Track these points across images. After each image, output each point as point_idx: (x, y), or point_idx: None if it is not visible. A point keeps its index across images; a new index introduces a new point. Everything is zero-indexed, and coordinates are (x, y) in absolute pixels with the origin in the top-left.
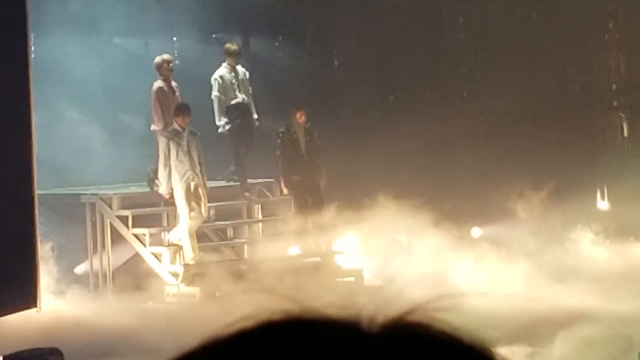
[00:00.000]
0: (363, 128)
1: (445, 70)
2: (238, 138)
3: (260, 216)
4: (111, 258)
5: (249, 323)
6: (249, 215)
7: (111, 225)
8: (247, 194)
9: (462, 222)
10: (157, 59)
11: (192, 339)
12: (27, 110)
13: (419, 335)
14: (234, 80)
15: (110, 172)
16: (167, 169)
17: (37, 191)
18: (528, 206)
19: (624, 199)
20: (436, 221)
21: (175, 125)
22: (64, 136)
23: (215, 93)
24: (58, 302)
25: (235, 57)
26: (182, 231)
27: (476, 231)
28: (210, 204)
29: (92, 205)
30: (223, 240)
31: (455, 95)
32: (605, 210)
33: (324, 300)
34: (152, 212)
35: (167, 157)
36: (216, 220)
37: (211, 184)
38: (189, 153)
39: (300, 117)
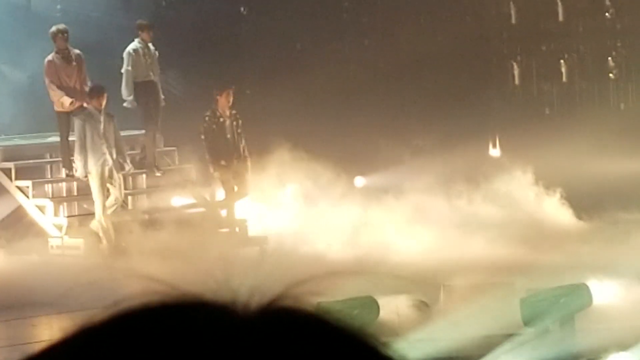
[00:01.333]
0: (266, 77)
1: (346, 20)
2: (146, 117)
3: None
4: None
5: (120, 309)
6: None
7: None
8: (158, 173)
9: (349, 171)
10: (52, 29)
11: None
12: None
13: (293, 320)
14: (146, 57)
15: None
16: (83, 152)
17: None
18: (417, 156)
19: (516, 146)
20: (323, 170)
21: (91, 108)
22: None
23: (126, 67)
24: None
25: (149, 33)
26: (96, 216)
27: (360, 180)
28: None
29: None
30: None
31: (356, 44)
32: (496, 158)
33: (207, 250)
34: (36, 164)
35: (83, 140)
36: None
37: None
38: (104, 136)
39: (226, 99)
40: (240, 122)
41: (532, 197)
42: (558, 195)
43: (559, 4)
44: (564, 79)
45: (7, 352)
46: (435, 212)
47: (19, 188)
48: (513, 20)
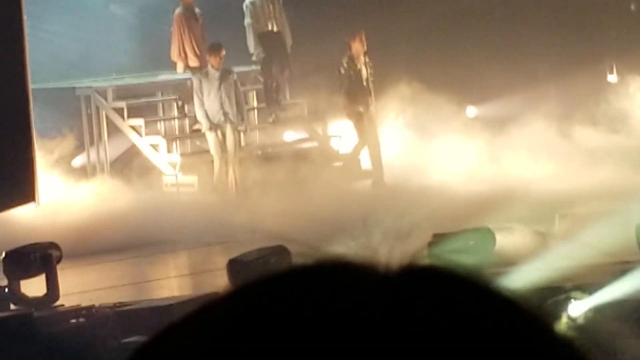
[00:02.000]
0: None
1: None
2: (268, 71)
3: (255, 104)
4: (108, 150)
5: (266, 276)
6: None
7: (107, 117)
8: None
9: (459, 101)
10: None
11: (191, 229)
12: (18, 1)
13: (437, 280)
14: (267, 7)
15: (104, 64)
16: (202, 109)
17: (31, 85)
18: (532, 83)
19: (633, 72)
20: (432, 101)
21: (208, 66)
22: (57, 28)
23: (247, 20)
24: (56, 195)
25: None
26: (214, 172)
27: (471, 110)
28: None
29: (87, 97)
30: None
31: None
32: (614, 84)
33: (323, 184)
34: (148, 103)
35: (201, 99)
36: None
37: None
38: (222, 94)
39: (360, 44)
40: (372, 70)
41: None
42: None
43: None
44: None
45: (126, 290)
46: (551, 141)
47: (132, 127)
48: None
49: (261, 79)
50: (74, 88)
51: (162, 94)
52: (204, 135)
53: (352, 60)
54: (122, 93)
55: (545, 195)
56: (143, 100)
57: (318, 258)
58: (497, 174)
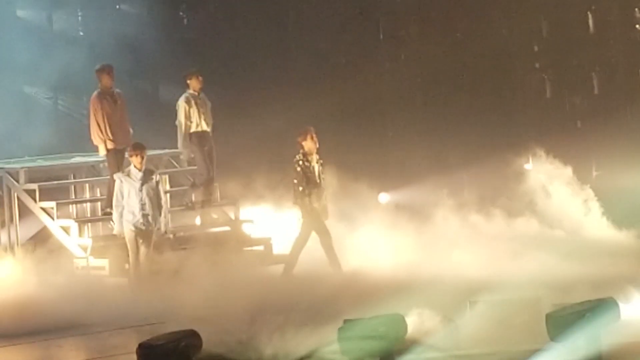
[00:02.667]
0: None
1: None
2: (199, 166)
3: (168, 187)
4: (19, 232)
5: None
6: None
7: (18, 198)
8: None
9: (371, 187)
10: (97, 66)
11: (102, 312)
12: None
13: None
14: (199, 107)
15: (16, 146)
16: (119, 209)
17: None
18: (445, 170)
19: (547, 160)
20: (346, 186)
21: (131, 166)
22: None
23: (180, 119)
24: None
25: (198, 80)
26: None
27: (384, 197)
28: None
29: None
30: None
31: (386, 58)
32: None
33: (235, 268)
34: (59, 185)
35: (119, 199)
36: None
37: None
38: (140, 197)
39: (313, 141)
40: (322, 167)
41: (567, 211)
42: (594, 208)
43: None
44: (596, 91)
45: None
46: (465, 228)
47: (43, 209)
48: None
49: (190, 178)
50: None
51: (74, 177)
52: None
53: (305, 157)
54: (34, 175)
55: (458, 282)
56: (55, 182)
57: (228, 344)
58: (410, 260)
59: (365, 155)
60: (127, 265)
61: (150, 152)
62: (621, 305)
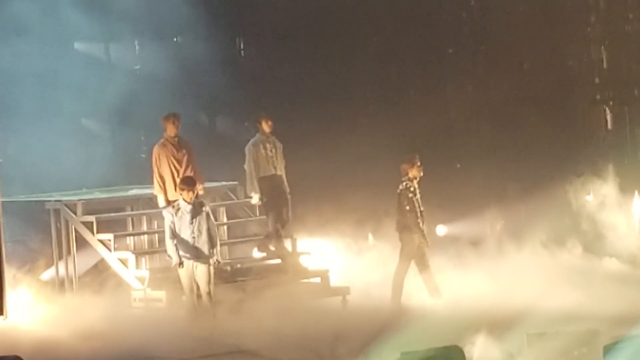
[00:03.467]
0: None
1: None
2: (272, 212)
3: (225, 219)
4: (77, 264)
5: None
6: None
7: (76, 231)
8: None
9: (429, 220)
10: (165, 114)
11: (161, 344)
12: None
13: None
14: (268, 150)
15: (75, 178)
16: (174, 242)
17: (1, 198)
18: (505, 203)
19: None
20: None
21: (181, 200)
22: (28, 142)
23: (249, 164)
24: (25, 309)
25: (268, 123)
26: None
27: (441, 229)
28: None
29: (57, 211)
30: None
31: (453, 90)
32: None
33: (292, 301)
34: (117, 217)
35: (173, 233)
36: None
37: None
38: (191, 228)
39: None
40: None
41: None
42: None
43: None
44: None
45: None
46: (523, 260)
47: (101, 241)
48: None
49: (247, 210)
50: (44, 202)
51: (131, 209)
52: None
53: (412, 182)
54: (92, 207)
55: (516, 314)
56: (112, 214)
57: None
58: (466, 292)
59: (429, 185)
60: (183, 297)
61: (207, 184)
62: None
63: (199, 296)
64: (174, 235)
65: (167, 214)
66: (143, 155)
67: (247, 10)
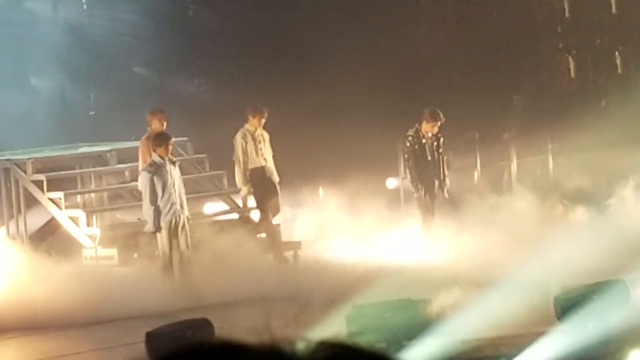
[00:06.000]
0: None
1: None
2: (261, 203)
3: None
4: (27, 223)
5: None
6: None
7: (26, 189)
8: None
9: (379, 173)
10: (151, 109)
11: (111, 302)
12: None
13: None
14: (257, 142)
15: (24, 137)
16: (154, 206)
17: None
18: (466, 151)
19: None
20: (352, 172)
21: (155, 157)
22: None
23: (237, 155)
24: None
25: (260, 118)
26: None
27: (391, 182)
28: (125, 165)
29: (6, 170)
30: (139, 200)
31: (405, 33)
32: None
33: (246, 253)
34: (67, 175)
35: (153, 193)
36: (131, 180)
37: (127, 144)
38: (172, 186)
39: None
40: (442, 141)
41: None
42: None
43: None
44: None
45: None
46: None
47: (51, 200)
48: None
49: (197, 166)
50: None
51: (80, 167)
52: (123, 207)
53: (417, 134)
54: (41, 166)
55: (463, 265)
56: (62, 172)
57: (237, 335)
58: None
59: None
60: (135, 255)
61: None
62: (631, 287)
63: (177, 252)
64: (155, 198)
65: (145, 173)
66: (92, 113)
67: None
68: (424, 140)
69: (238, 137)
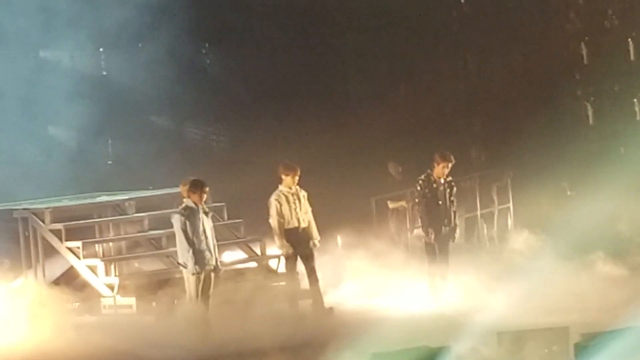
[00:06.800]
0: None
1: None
2: (294, 262)
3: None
4: (46, 272)
5: None
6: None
7: (44, 239)
8: None
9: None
10: (197, 182)
11: (130, 351)
12: None
13: None
14: (293, 203)
15: (42, 186)
16: (192, 248)
17: None
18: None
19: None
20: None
21: (189, 202)
22: None
23: (273, 215)
24: None
25: (294, 177)
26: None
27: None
28: (143, 214)
29: (25, 219)
30: (157, 249)
31: (425, 79)
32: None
33: (262, 304)
34: (85, 225)
35: (189, 235)
36: (150, 229)
37: (145, 192)
38: (204, 232)
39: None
40: (454, 189)
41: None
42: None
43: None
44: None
45: None
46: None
47: (69, 249)
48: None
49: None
50: (11, 210)
51: (98, 216)
52: (141, 256)
53: (429, 178)
54: (60, 215)
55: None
56: (81, 222)
57: None
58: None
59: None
60: (154, 304)
61: (174, 189)
62: None
63: (204, 301)
64: (191, 241)
65: (178, 217)
66: (110, 162)
67: (209, 15)
68: (435, 185)
69: (272, 199)
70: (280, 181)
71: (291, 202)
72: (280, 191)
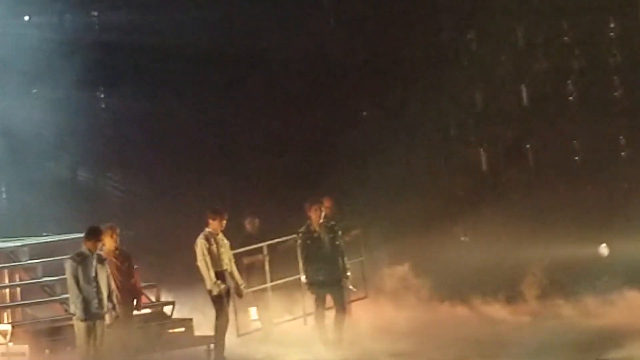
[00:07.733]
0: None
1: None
2: (221, 304)
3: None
4: None
5: None
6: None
7: None
8: None
9: None
10: (104, 226)
11: None
12: None
13: None
14: (216, 247)
15: None
16: (81, 295)
17: None
18: None
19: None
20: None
21: (83, 248)
22: None
23: (200, 255)
24: None
25: (221, 222)
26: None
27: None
28: (37, 260)
29: None
30: (51, 296)
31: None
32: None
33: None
34: None
35: (78, 282)
36: (44, 276)
37: (39, 239)
38: (94, 280)
39: (317, 213)
40: (339, 233)
41: None
42: None
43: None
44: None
45: None
46: None
47: None
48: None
49: None
50: None
51: None
52: (34, 303)
53: (308, 228)
54: None
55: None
56: None
57: None
58: None
59: None
60: (47, 351)
61: (58, 237)
62: None
63: (93, 349)
64: (80, 288)
65: (70, 262)
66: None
67: (103, 59)
68: (315, 235)
69: (199, 240)
70: (206, 224)
71: (218, 244)
72: (208, 232)
